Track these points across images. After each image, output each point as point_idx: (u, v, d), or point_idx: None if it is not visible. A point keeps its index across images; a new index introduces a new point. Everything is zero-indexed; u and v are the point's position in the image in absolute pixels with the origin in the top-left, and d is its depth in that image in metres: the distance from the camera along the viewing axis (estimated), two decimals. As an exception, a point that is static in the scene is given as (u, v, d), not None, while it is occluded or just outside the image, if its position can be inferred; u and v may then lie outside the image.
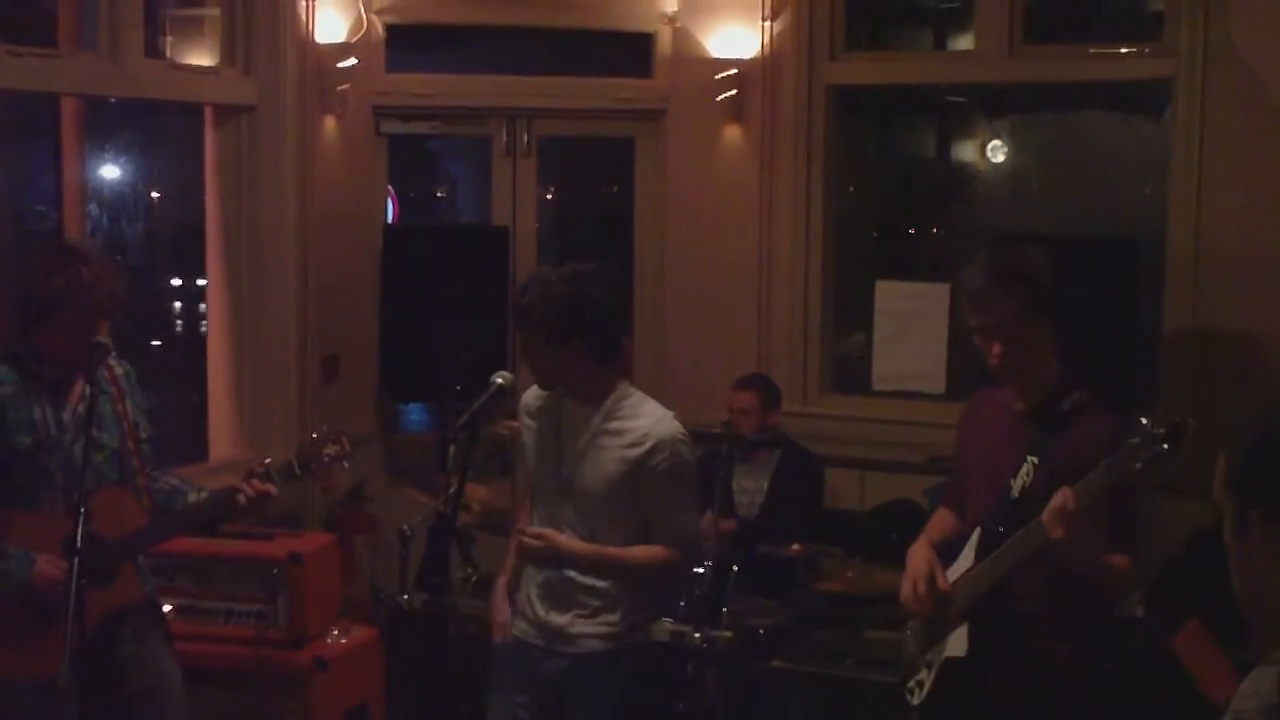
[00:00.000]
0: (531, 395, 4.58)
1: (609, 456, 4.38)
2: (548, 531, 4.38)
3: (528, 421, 4.58)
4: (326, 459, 4.72)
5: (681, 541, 4.49)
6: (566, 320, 4.32)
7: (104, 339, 4.43)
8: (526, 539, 4.40)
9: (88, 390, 4.32)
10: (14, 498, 4.50)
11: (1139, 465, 3.61)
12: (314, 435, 4.79)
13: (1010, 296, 4.07)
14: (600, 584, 4.42)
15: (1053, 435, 4.04)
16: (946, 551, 4.33)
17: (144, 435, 4.76)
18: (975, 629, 4.12)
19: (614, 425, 4.41)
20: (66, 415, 4.50)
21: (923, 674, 4.31)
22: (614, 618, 4.43)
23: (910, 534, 6.95)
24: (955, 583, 4.18)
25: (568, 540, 4.38)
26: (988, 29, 7.55)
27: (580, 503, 4.41)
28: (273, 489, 4.65)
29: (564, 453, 4.44)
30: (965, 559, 4.20)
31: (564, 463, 4.43)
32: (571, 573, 4.42)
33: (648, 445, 4.38)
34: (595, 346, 4.38)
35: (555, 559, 4.40)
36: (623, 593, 4.45)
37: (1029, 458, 4.05)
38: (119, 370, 4.74)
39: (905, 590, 4.30)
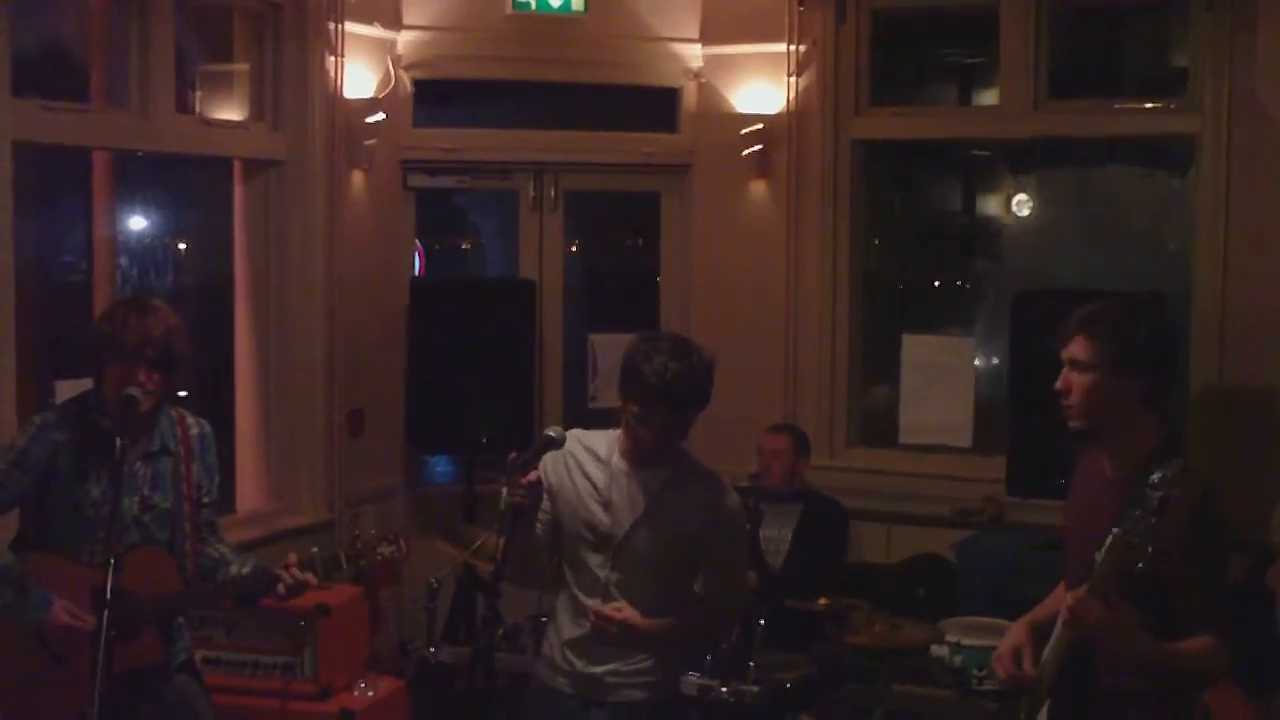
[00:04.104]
0: (568, 453, 4.42)
1: (674, 520, 4.34)
2: (626, 611, 4.31)
3: (564, 480, 4.42)
4: (380, 558, 4.70)
5: (736, 603, 4.55)
6: (708, 393, 4.32)
7: (134, 390, 4.43)
8: (603, 619, 4.30)
9: (119, 444, 4.30)
10: (55, 544, 4.52)
11: (1133, 542, 3.52)
12: (372, 531, 4.76)
13: (1094, 339, 3.90)
14: None
15: (1136, 508, 3.74)
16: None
17: (206, 500, 4.75)
18: (1055, 706, 3.98)
19: (679, 489, 4.37)
20: (126, 468, 4.46)
21: None
22: (649, 665, 4.41)
23: (938, 588, 7.01)
24: (1045, 658, 4.08)
25: (642, 620, 4.31)
26: (1012, 84, 7.58)
27: (631, 566, 4.34)
28: (313, 580, 4.64)
29: (617, 515, 4.36)
30: (1057, 631, 4.09)
31: (617, 526, 4.35)
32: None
33: (723, 509, 4.39)
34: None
35: (629, 638, 4.33)
36: (656, 646, 4.43)
37: (1114, 530, 3.75)
38: (194, 430, 4.73)
39: (995, 667, 4.20)
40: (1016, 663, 4.10)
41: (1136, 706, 3.92)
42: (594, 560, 4.36)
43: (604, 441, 4.41)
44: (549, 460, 4.35)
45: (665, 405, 4.23)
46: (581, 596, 4.39)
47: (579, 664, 4.40)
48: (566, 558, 4.43)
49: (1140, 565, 3.61)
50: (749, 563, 6.03)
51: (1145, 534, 3.53)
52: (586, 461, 4.39)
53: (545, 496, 4.32)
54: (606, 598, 4.33)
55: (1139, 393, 3.91)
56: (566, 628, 4.44)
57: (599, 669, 4.38)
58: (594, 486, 4.36)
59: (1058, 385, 3.98)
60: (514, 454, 4.21)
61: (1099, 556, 3.76)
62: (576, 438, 4.42)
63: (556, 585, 4.48)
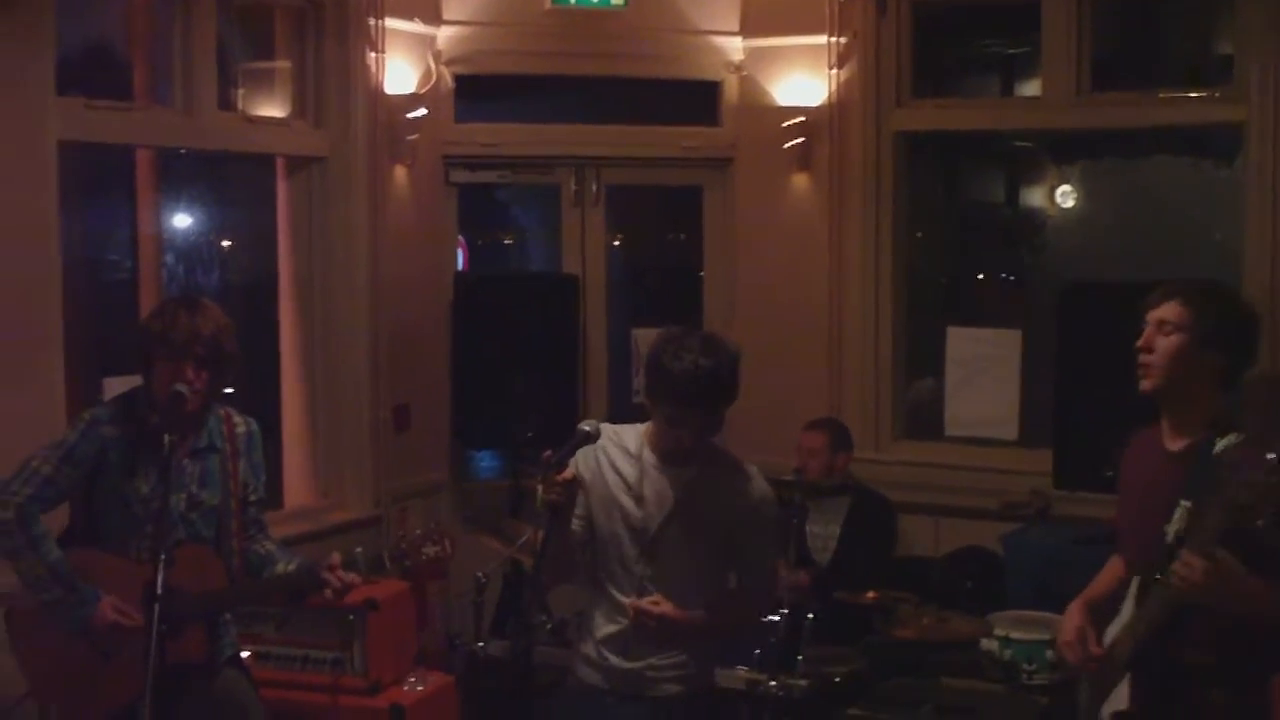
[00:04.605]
0: (599, 448, 4.39)
1: (706, 512, 4.34)
2: (664, 605, 4.31)
3: (596, 476, 4.40)
4: (424, 558, 4.71)
5: (767, 592, 4.58)
6: (738, 387, 4.31)
7: (182, 387, 4.45)
8: (643, 614, 4.30)
9: (167, 440, 4.31)
10: (104, 540, 4.55)
11: (1252, 502, 3.52)
12: (417, 531, 4.77)
13: (1190, 306, 3.99)
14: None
15: (1204, 478, 3.83)
16: (1113, 603, 4.23)
17: (252, 497, 4.79)
18: (1137, 681, 3.99)
19: (710, 481, 4.37)
20: (173, 465, 4.48)
21: None
22: (685, 659, 4.40)
23: (985, 581, 6.99)
24: (1118, 636, 4.08)
25: (682, 614, 4.32)
26: (1055, 75, 7.53)
27: (666, 560, 4.34)
28: (358, 580, 4.65)
29: (650, 510, 4.35)
30: (1127, 609, 4.10)
31: (650, 520, 4.34)
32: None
33: (750, 501, 4.40)
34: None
35: (669, 632, 4.33)
36: (693, 639, 4.42)
37: (1182, 502, 3.87)
38: (240, 428, 4.77)
39: (1064, 654, 4.24)
40: (1083, 645, 4.12)
41: (1220, 681, 3.92)
42: (629, 555, 4.36)
43: (633, 436, 4.40)
44: (581, 456, 4.32)
45: (699, 405, 4.23)
46: (616, 592, 4.39)
47: (615, 660, 4.40)
48: (600, 554, 4.41)
49: (1260, 523, 3.62)
50: (797, 560, 6.05)
51: (1264, 494, 3.51)
52: (617, 456, 4.39)
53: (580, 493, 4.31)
54: (642, 592, 4.34)
55: (1217, 368, 4.00)
56: (602, 625, 4.43)
57: (637, 664, 4.38)
58: (626, 481, 4.35)
59: (1139, 343, 4.04)
60: (549, 451, 4.20)
61: (1170, 528, 3.83)
62: (606, 433, 4.39)
63: (591, 581, 4.46)
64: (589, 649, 4.45)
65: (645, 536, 4.34)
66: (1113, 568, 4.37)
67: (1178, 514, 3.86)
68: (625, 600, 4.34)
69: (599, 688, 4.44)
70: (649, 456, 4.36)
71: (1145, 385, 4.05)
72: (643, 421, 4.44)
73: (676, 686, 4.39)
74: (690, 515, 4.33)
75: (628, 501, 4.34)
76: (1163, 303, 4.04)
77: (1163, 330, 4.01)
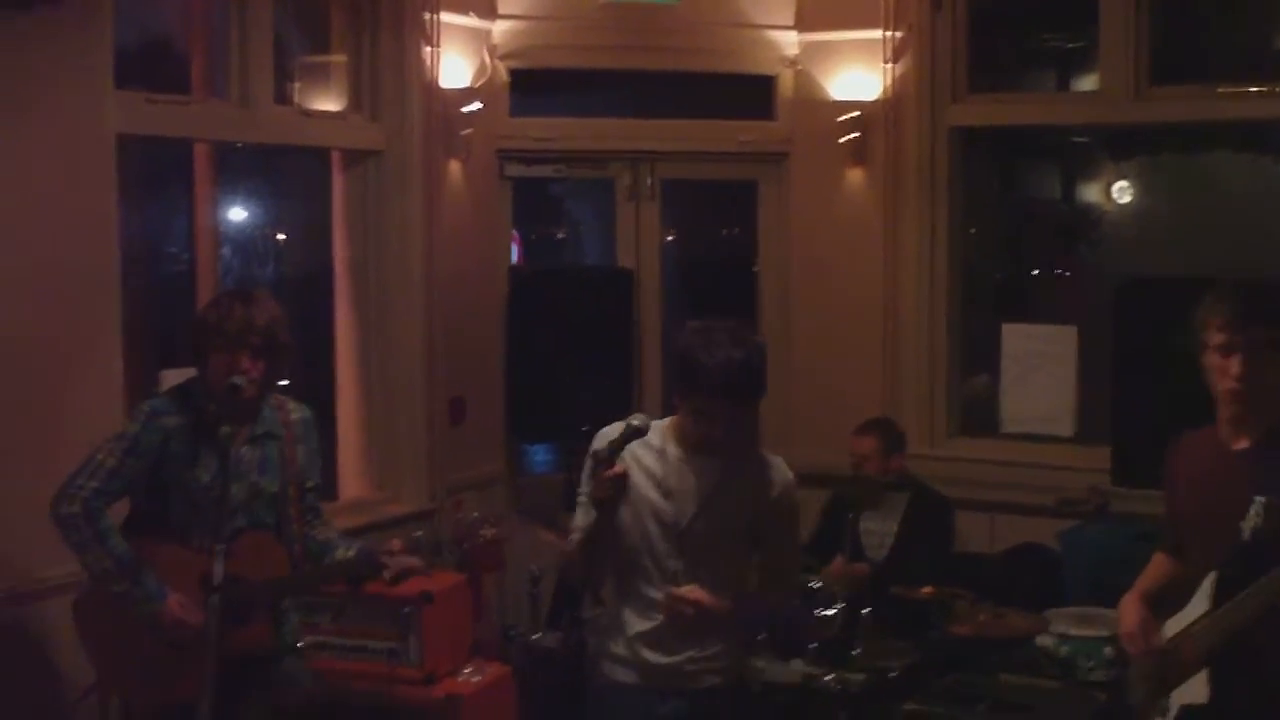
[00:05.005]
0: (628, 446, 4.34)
1: (735, 503, 4.35)
2: (701, 594, 4.29)
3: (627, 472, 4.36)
4: (481, 542, 4.72)
5: (793, 579, 4.62)
6: (765, 379, 4.33)
7: (238, 379, 4.49)
8: (680, 602, 4.28)
9: (224, 431, 4.34)
10: (167, 530, 4.58)
11: None
12: (474, 514, 4.79)
13: (1265, 321, 3.97)
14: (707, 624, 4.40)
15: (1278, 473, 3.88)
16: (1164, 598, 4.22)
17: (309, 484, 4.83)
18: (1218, 676, 3.97)
19: (736, 473, 4.37)
20: (232, 454, 4.49)
21: None
22: (722, 650, 4.42)
23: (1041, 578, 6.95)
24: (1189, 630, 4.06)
25: (717, 601, 4.32)
26: (1112, 69, 7.48)
27: (696, 552, 4.33)
28: (418, 564, 4.68)
29: (680, 504, 4.34)
30: (1198, 604, 4.07)
31: (680, 515, 4.33)
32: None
33: (777, 490, 4.40)
34: None
35: (706, 620, 4.31)
36: (725, 629, 4.42)
37: (1257, 498, 3.89)
38: (295, 415, 4.81)
39: (1126, 646, 4.24)
40: (1145, 637, 4.11)
41: None
42: (660, 550, 4.34)
43: (657, 431, 4.37)
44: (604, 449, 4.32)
45: (733, 399, 4.22)
46: (648, 589, 4.37)
47: (653, 656, 4.38)
48: (631, 550, 4.37)
49: None
50: (853, 557, 6.05)
51: None
52: (643, 453, 4.37)
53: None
54: (675, 586, 4.32)
55: None
56: (634, 622, 4.40)
57: (676, 658, 4.37)
58: (654, 477, 4.34)
59: (1236, 378, 3.99)
60: (598, 447, 4.20)
61: (1245, 525, 3.84)
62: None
63: (618, 579, 4.42)
64: (620, 648, 4.43)
65: (676, 531, 4.33)
66: (1159, 563, 4.38)
67: (1254, 510, 3.87)
68: (658, 594, 4.33)
69: (634, 685, 4.42)
70: (674, 451, 4.35)
71: (1230, 387, 4.01)
72: None
73: (716, 678, 4.41)
74: (719, 507, 4.34)
75: (657, 497, 4.33)
76: (1225, 329, 4.01)
77: (1237, 352, 3.98)
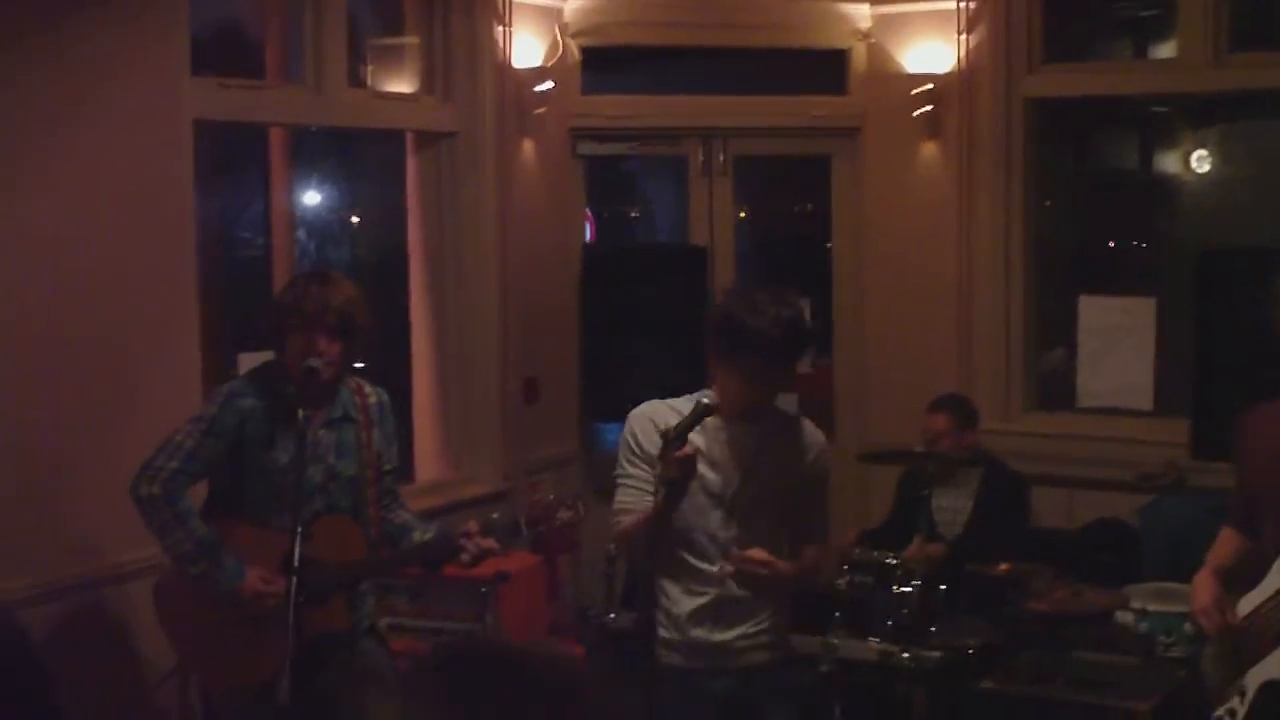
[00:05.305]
0: (665, 422, 4.31)
1: (777, 467, 4.39)
2: (765, 555, 4.33)
3: (653, 453, 4.34)
4: (558, 523, 4.74)
5: (823, 541, 4.62)
6: (809, 339, 4.34)
7: (315, 362, 4.51)
8: (750, 564, 4.31)
9: (301, 414, 4.37)
10: (245, 512, 4.62)
11: None
12: (550, 496, 4.80)
13: None
14: (756, 599, 4.40)
15: None
16: (1237, 574, 4.19)
17: (387, 467, 4.85)
18: None
19: (779, 438, 4.42)
20: (309, 437, 4.54)
21: (1234, 701, 4.14)
22: (769, 625, 4.45)
23: (1121, 554, 6.90)
24: (1263, 608, 4.03)
25: (782, 563, 4.35)
26: (1190, 36, 7.39)
27: (746, 520, 4.36)
28: (495, 546, 4.69)
29: (726, 474, 4.36)
30: (1273, 580, 4.05)
31: (728, 485, 4.36)
32: (740, 591, 4.38)
33: (814, 453, 4.47)
34: None
35: (775, 580, 4.35)
36: (772, 604, 4.45)
37: None
38: (372, 399, 4.83)
39: (1201, 622, 4.21)
40: (1221, 613, 4.08)
41: None
42: (713, 522, 4.37)
43: (689, 405, 4.34)
44: (643, 434, 4.38)
45: (787, 357, 4.27)
46: (697, 562, 4.38)
47: (704, 634, 4.40)
48: (683, 527, 4.36)
49: None
50: (928, 535, 6.04)
51: None
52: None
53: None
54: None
55: None
56: (683, 600, 4.42)
57: (729, 635, 4.40)
58: (698, 450, 4.31)
59: None
60: (668, 427, 4.20)
61: None
62: (665, 407, 4.40)
63: (665, 560, 4.38)
64: (668, 632, 4.43)
65: (725, 500, 4.36)
66: (1229, 538, 4.34)
67: None
68: (713, 568, 4.35)
69: (681, 667, 4.42)
70: (712, 421, 4.34)
71: None
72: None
73: (765, 654, 4.45)
74: (763, 472, 4.38)
75: (705, 469, 4.32)
76: None
77: None
